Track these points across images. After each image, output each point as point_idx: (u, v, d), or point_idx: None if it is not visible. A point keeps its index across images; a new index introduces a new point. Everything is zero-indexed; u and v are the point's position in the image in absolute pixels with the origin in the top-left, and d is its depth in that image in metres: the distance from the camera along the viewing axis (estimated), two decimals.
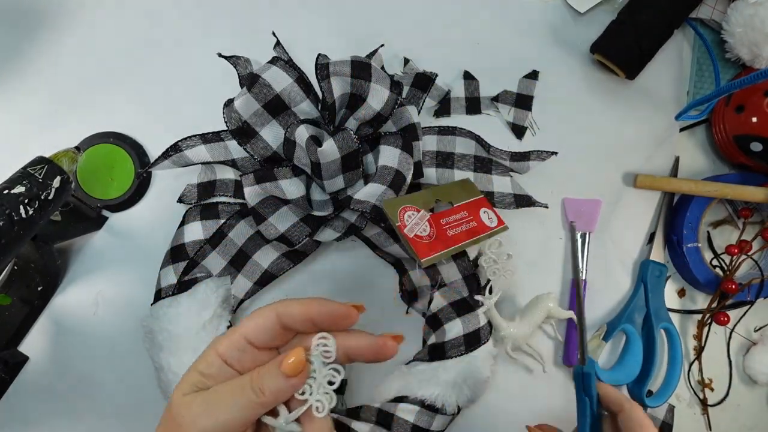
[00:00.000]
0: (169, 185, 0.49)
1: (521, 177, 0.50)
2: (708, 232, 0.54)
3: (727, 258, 0.51)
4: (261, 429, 0.27)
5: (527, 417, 0.49)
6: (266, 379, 0.25)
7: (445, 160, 0.49)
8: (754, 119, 0.49)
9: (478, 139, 0.49)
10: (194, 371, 0.26)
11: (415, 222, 0.41)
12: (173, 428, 0.25)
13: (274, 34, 0.50)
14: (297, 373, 0.25)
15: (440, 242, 0.41)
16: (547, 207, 0.49)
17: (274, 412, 0.26)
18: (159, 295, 0.44)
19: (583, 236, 0.51)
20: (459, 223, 0.43)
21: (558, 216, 0.52)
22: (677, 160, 0.53)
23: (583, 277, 0.50)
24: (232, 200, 0.47)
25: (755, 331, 0.53)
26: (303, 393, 0.26)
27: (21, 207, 0.37)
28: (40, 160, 0.40)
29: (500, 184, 0.49)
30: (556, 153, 0.49)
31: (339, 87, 0.41)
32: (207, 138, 0.45)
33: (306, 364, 0.25)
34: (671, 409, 0.51)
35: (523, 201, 0.49)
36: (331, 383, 0.26)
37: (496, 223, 0.45)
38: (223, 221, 0.46)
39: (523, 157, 0.49)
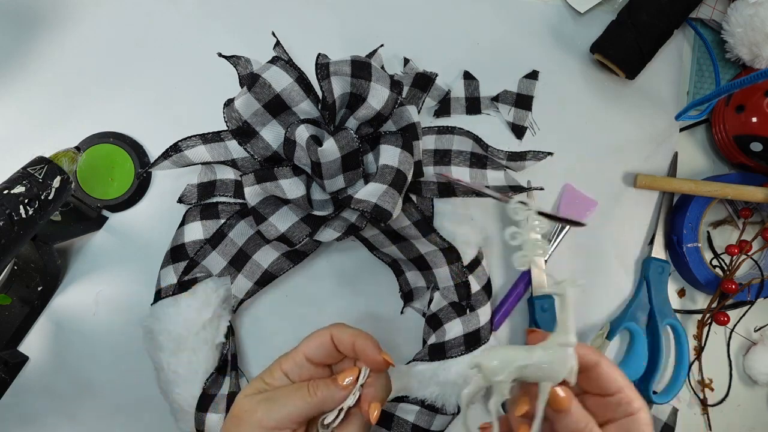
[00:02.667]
0: (169, 185, 0.49)
1: (518, 174, 0.50)
2: (708, 232, 0.54)
3: (727, 258, 0.51)
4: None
5: None
6: (320, 386, 0.32)
7: (442, 157, 0.49)
8: (754, 119, 0.49)
9: (476, 139, 0.49)
10: (259, 380, 0.33)
11: None
12: (234, 423, 0.31)
13: (274, 34, 0.50)
14: (348, 387, 0.32)
15: None
16: (542, 189, 0.49)
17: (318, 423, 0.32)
18: (159, 295, 0.44)
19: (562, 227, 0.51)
20: None
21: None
22: (675, 155, 0.53)
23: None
24: (232, 200, 0.47)
25: (755, 331, 0.53)
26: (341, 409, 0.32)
27: (21, 207, 0.37)
28: (40, 160, 0.39)
29: (494, 177, 0.50)
30: (551, 153, 0.49)
31: (339, 86, 0.41)
32: (207, 138, 0.45)
33: (356, 382, 0.33)
34: (674, 412, 0.51)
35: (517, 190, 0.49)
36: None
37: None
38: (223, 221, 0.46)
39: (519, 157, 0.49)
